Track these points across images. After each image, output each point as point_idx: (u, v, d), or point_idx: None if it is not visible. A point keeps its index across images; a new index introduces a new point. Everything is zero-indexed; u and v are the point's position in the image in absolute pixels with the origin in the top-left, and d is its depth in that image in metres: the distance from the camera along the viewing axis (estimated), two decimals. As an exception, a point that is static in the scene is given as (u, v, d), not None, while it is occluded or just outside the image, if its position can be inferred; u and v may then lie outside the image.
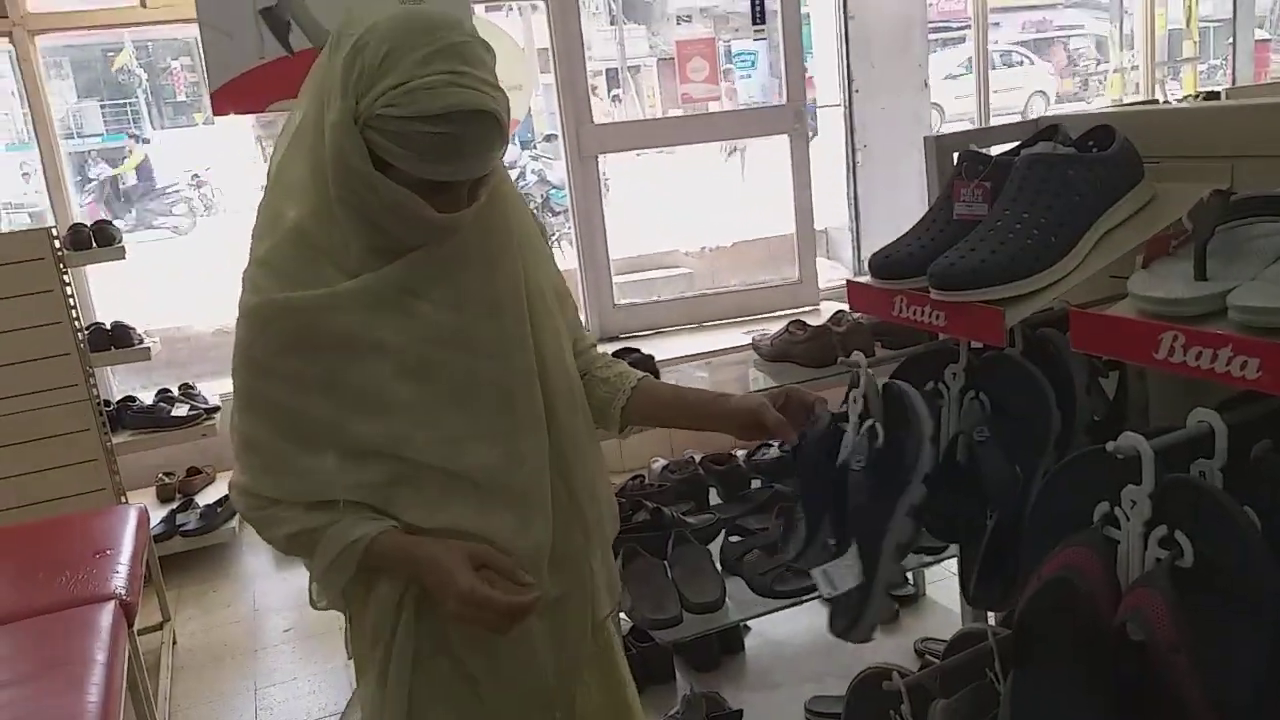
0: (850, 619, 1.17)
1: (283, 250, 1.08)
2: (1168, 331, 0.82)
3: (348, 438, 1.09)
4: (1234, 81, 7.88)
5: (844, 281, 5.48)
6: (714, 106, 5.83)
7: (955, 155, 1.20)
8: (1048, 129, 1.20)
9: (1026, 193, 1.06)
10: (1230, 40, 8.27)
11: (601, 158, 4.68)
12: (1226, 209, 0.86)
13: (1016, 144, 1.20)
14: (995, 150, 1.21)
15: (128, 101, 15.12)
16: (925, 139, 1.34)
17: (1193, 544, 0.75)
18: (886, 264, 1.15)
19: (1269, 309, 0.76)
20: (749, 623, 2.71)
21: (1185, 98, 5.91)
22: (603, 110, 11.89)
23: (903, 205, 5.60)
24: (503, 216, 1.15)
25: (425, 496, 1.12)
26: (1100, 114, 1.23)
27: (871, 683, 1.30)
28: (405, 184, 1.01)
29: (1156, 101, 5.94)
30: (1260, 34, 9.51)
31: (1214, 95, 5.51)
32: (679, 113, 6.09)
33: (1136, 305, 0.87)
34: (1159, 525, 0.78)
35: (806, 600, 2.16)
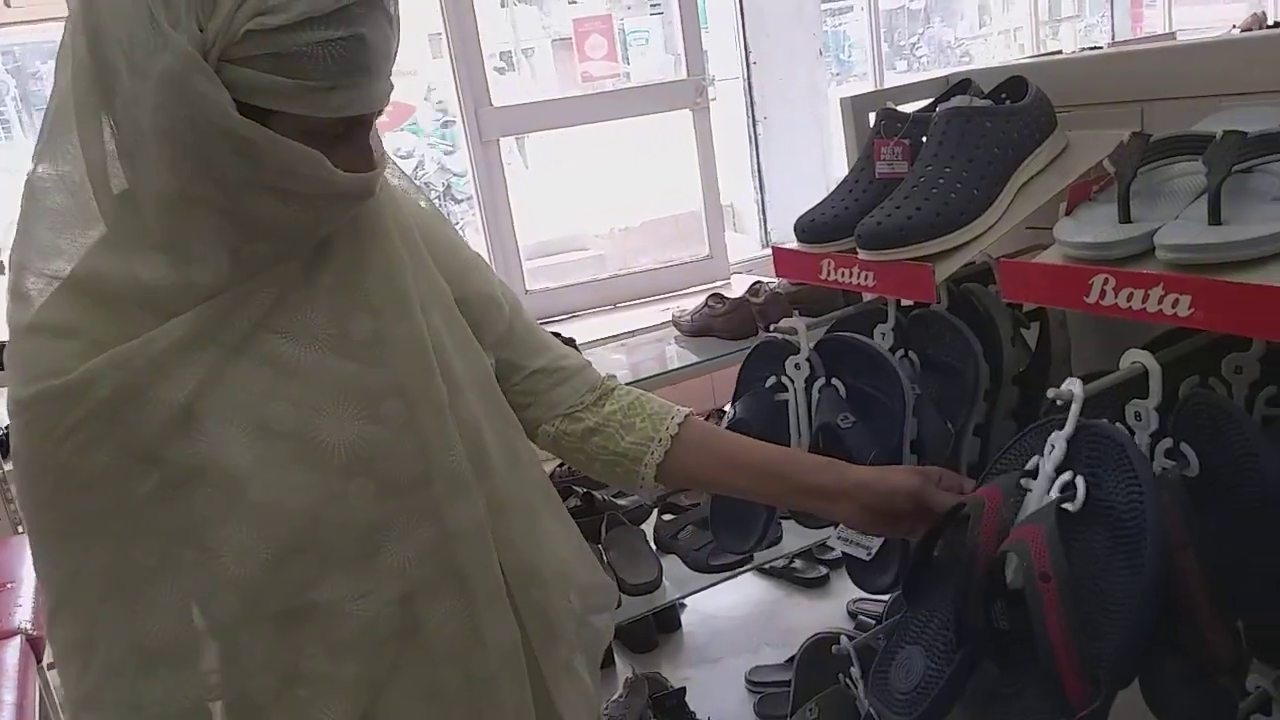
0: (898, 569, 1.11)
1: (62, 307, 0.75)
2: (1098, 275, 0.81)
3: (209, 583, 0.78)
4: (1114, 37, 8.17)
5: (755, 254, 5.50)
6: (614, 84, 5.78)
7: (872, 115, 1.19)
8: (960, 83, 1.20)
9: (947, 147, 1.05)
10: (1107, -2, 8.57)
11: (523, 139, 4.59)
12: (1146, 150, 0.87)
13: (931, 100, 1.19)
14: (910, 108, 1.20)
15: (-5, 110, 14.38)
16: (841, 100, 1.33)
17: (1088, 488, 0.75)
18: (812, 228, 1.14)
19: (1195, 245, 0.76)
20: (685, 600, 2.71)
21: (1072, 53, 6.10)
22: (499, 93, 11.72)
23: (805, 175, 5.65)
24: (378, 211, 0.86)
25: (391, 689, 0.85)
26: (1012, 66, 1.23)
27: (820, 648, 1.30)
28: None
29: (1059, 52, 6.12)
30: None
31: (1096, 50, 5.70)
32: (579, 92, 6.02)
33: (1064, 251, 0.87)
34: (1066, 471, 0.77)
35: (743, 572, 2.16)
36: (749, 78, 5.92)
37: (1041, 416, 0.84)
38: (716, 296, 2.41)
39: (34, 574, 0.83)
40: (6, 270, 0.77)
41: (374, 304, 0.83)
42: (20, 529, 3.23)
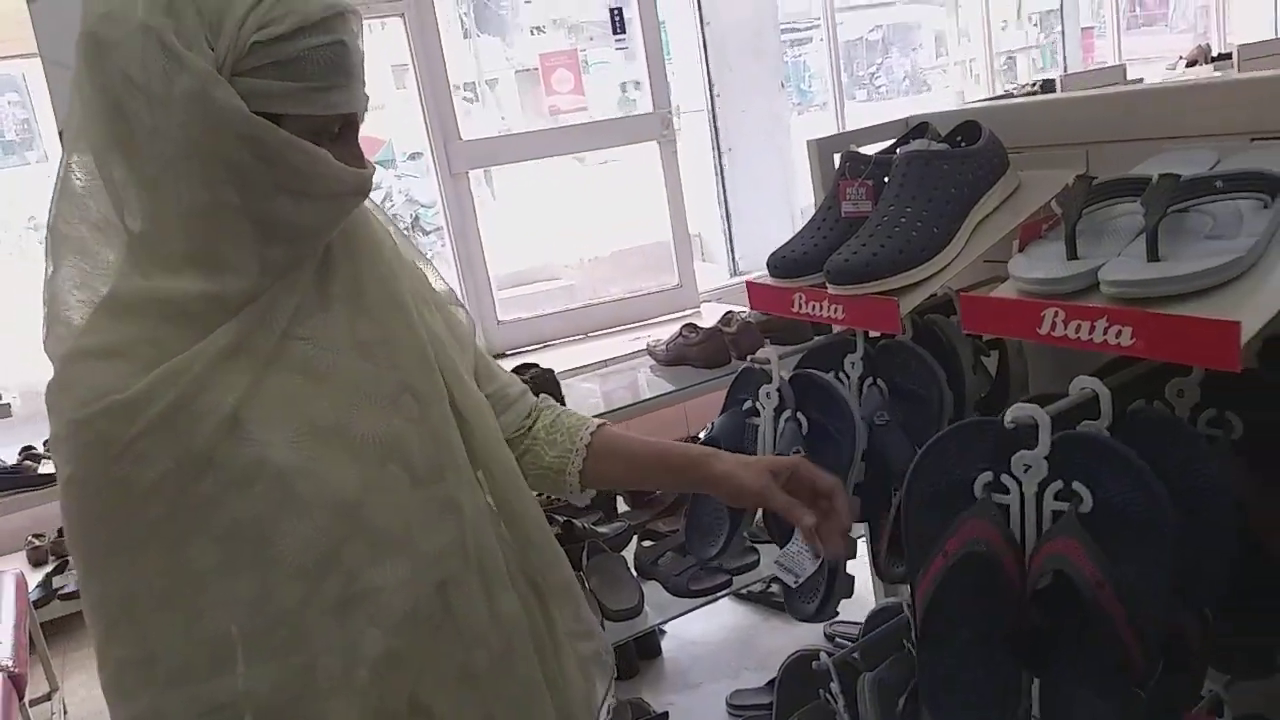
0: (820, 599, 1.18)
1: (102, 331, 0.82)
2: (1049, 308, 0.88)
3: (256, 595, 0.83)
4: (1065, 69, 8.40)
5: (724, 283, 5.57)
6: (581, 117, 5.88)
7: (837, 156, 1.26)
8: (919, 126, 1.27)
9: (907, 189, 1.13)
10: (1060, 29, 8.82)
11: (490, 170, 4.65)
12: (1090, 193, 0.94)
13: (891, 142, 1.27)
14: (871, 149, 1.28)
15: (-49, 144, 14.21)
16: (808, 142, 1.40)
17: (1092, 492, 0.82)
18: (784, 263, 1.20)
19: (1134, 280, 0.83)
20: (665, 626, 2.76)
21: (1023, 86, 6.27)
22: (466, 124, 11.81)
23: (770, 204, 5.76)
24: (365, 224, 0.95)
25: (420, 673, 0.90)
26: (966, 110, 1.31)
27: (800, 665, 1.35)
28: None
29: (1010, 94, 6.30)
30: (1085, 20, 10.15)
31: (1050, 84, 5.88)
32: (545, 124, 6.10)
33: (1018, 286, 0.94)
34: (1054, 481, 0.84)
35: (722, 596, 2.21)
36: (713, 109, 6.04)
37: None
38: (690, 326, 2.48)
39: (84, 598, 0.86)
40: (44, 288, 0.84)
41: (376, 309, 0.92)
42: (-7, 569, 3.21)
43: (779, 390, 1.19)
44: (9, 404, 3.44)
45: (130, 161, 0.81)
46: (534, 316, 4.79)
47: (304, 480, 0.83)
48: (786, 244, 1.22)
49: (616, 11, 5.35)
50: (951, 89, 12.60)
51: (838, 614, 1.14)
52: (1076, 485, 0.84)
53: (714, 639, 2.75)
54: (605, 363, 3.03)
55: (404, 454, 0.90)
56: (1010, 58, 12.03)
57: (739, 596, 2.83)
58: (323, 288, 0.90)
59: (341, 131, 0.85)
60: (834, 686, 1.23)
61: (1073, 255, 0.92)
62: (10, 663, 2.29)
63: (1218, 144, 1.03)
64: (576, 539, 2.29)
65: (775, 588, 2.89)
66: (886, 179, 1.16)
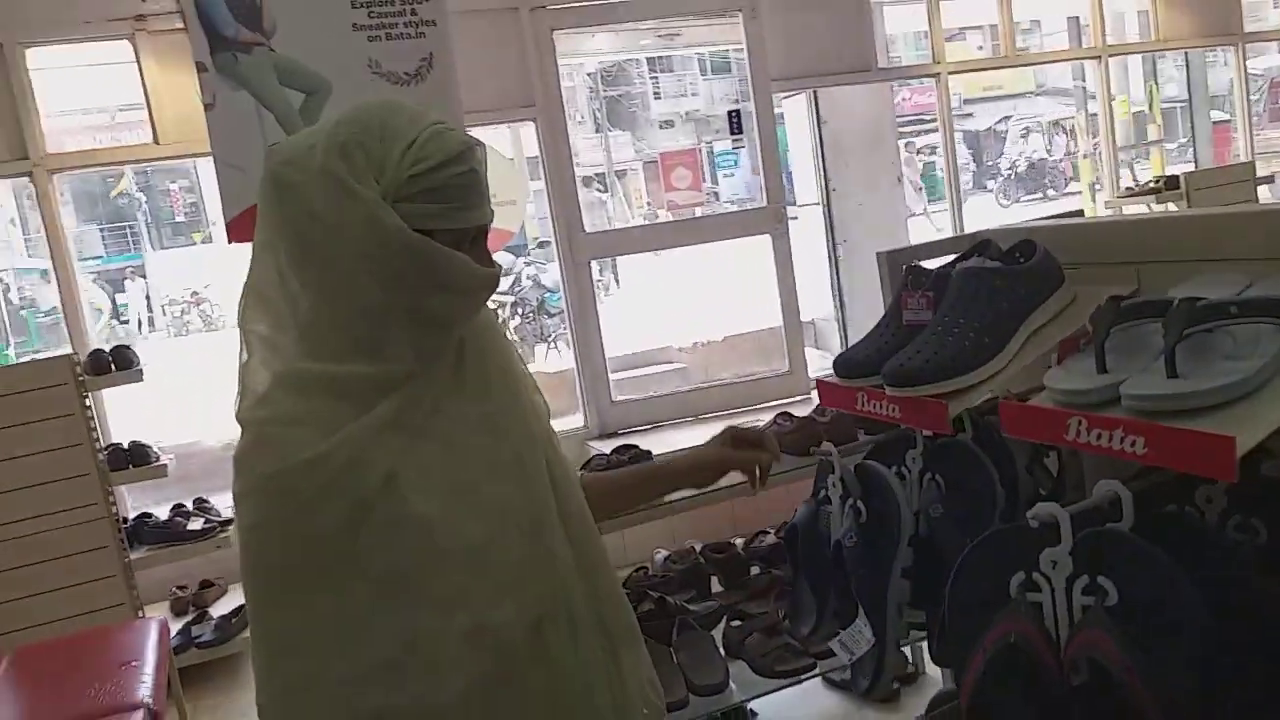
0: (872, 677, 1.28)
1: (287, 403, 0.99)
2: (1074, 417, 0.98)
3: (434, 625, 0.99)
4: (1196, 164, 8.22)
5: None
6: (699, 210, 6.11)
7: (903, 268, 1.37)
8: (981, 243, 1.38)
9: (962, 301, 1.23)
10: (1190, 123, 8.65)
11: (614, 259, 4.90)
12: (1118, 312, 1.03)
13: (955, 256, 1.38)
14: (939, 261, 1.39)
15: (127, 225, 15.57)
16: (878, 254, 1.52)
17: (1115, 585, 0.90)
18: (848, 365, 1.32)
19: (1151, 395, 0.92)
20: (755, 705, 2.81)
21: (1147, 183, 6.20)
22: (592, 213, 12.37)
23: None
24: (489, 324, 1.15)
25: (518, 696, 1.04)
26: (1025, 228, 1.41)
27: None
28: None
29: (1130, 191, 6.24)
30: (1219, 115, 9.92)
31: (1174, 180, 5.80)
32: (667, 215, 6.36)
33: (1051, 396, 1.04)
34: (1080, 577, 0.93)
35: (806, 679, 2.26)
36: (828, 203, 6.18)
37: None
38: (785, 414, 2.58)
39: (254, 631, 1.02)
40: (239, 374, 1.03)
41: (496, 393, 1.11)
42: (142, 613, 3.50)
43: (842, 479, 1.30)
44: (165, 464, 3.78)
45: (305, 275, 1.00)
46: (646, 398, 4.96)
47: (443, 531, 0.99)
48: (853, 347, 1.34)
49: (734, 114, 5.61)
50: (1083, 182, 12.44)
51: (895, 690, 1.22)
52: (1101, 580, 0.91)
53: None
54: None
55: (515, 512, 1.06)
56: (1145, 149, 11.81)
57: (831, 684, 2.86)
58: (458, 375, 1.08)
59: (475, 239, 1.04)
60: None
61: (1102, 369, 1.01)
62: (150, 701, 2.52)
63: (1252, 266, 1.10)
64: (668, 615, 2.39)
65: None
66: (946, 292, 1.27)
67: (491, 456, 1.06)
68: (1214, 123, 9.18)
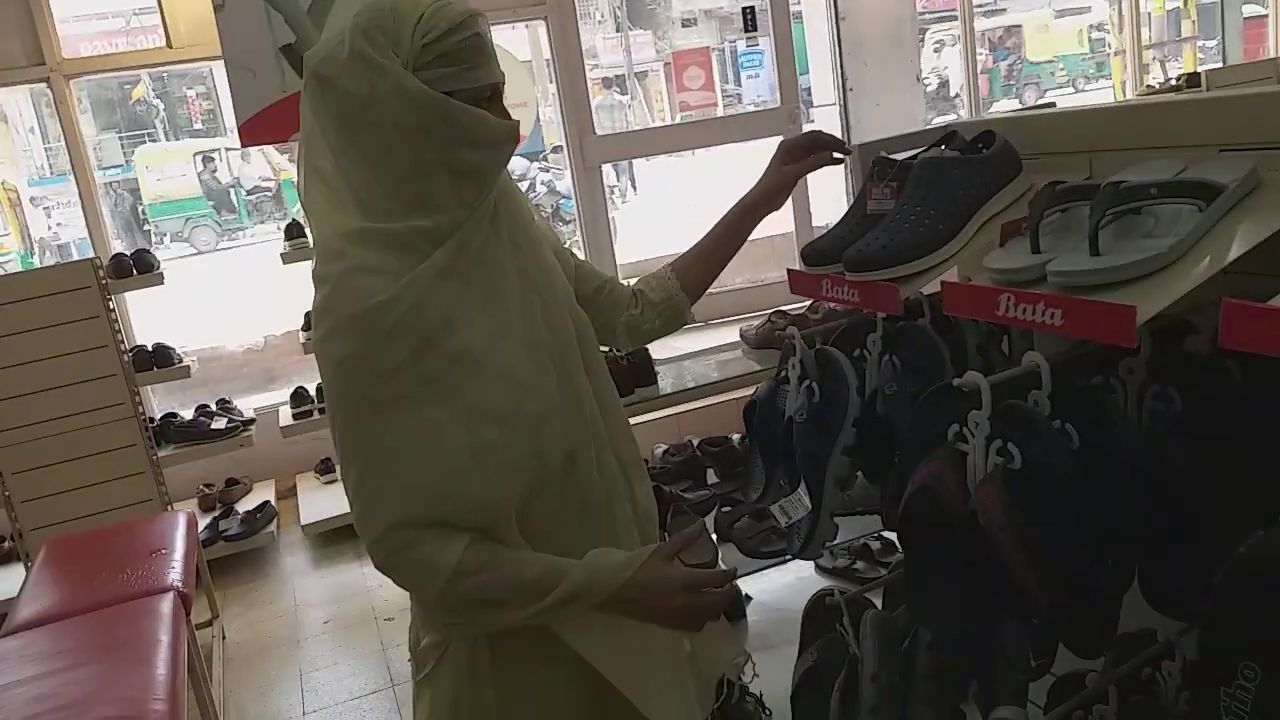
0: (804, 540, 1.39)
1: (363, 254, 1.13)
2: (1004, 294, 1.04)
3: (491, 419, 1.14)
4: (1225, 61, 8.01)
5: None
6: (714, 111, 6.06)
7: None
8: (948, 134, 1.42)
9: (921, 190, 1.29)
10: (1220, 19, 8.40)
11: (633, 163, 4.90)
12: (1053, 197, 1.09)
13: (925, 147, 1.43)
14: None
15: (146, 132, 15.56)
16: (858, 146, 1.56)
17: (1021, 452, 0.98)
18: (814, 253, 1.38)
19: (1071, 272, 0.98)
20: (750, 592, 2.95)
21: (1169, 79, 6.07)
22: (612, 116, 12.24)
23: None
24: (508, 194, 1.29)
25: (555, 501, 1.20)
26: (987, 120, 1.45)
27: (819, 603, 1.53)
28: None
29: (1152, 89, 6.12)
30: (1253, 9, 9.60)
31: (1195, 78, 5.68)
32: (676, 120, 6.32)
33: (989, 275, 1.10)
34: (995, 439, 1.01)
35: (789, 560, 2.38)
36: (845, 104, 6.11)
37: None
38: (779, 313, 2.65)
39: (342, 450, 1.17)
40: (314, 244, 1.18)
41: (524, 245, 1.26)
42: (170, 508, 3.68)
43: (801, 361, 1.38)
44: (188, 366, 3.92)
45: (353, 151, 1.14)
46: (655, 303, 5.03)
47: (492, 362, 1.16)
48: (820, 237, 1.40)
49: (749, 10, 5.52)
50: (1115, 79, 12.13)
51: (821, 554, 1.34)
52: (1010, 445, 0.99)
53: (795, 606, 2.91)
54: (714, 350, 3.23)
55: (548, 350, 1.22)
56: (1176, 46, 11.47)
57: (823, 570, 2.99)
58: (494, 228, 1.23)
59: (490, 98, 1.17)
60: (845, 620, 1.40)
61: (1035, 250, 1.07)
62: (180, 584, 2.69)
63: (1191, 152, 1.15)
64: (663, 501, 2.51)
65: (860, 564, 3.05)
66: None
67: (526, 303, 1.22)
68: (1246, 18, 8.90)
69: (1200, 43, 10.84)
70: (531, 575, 1.16)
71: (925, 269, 1.24)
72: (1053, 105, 1.58)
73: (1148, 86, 6.27)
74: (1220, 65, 7.25)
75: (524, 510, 1.18)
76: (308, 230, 4.09)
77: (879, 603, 1.57)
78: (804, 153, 1.45)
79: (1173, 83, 5.86)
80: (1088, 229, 1.06)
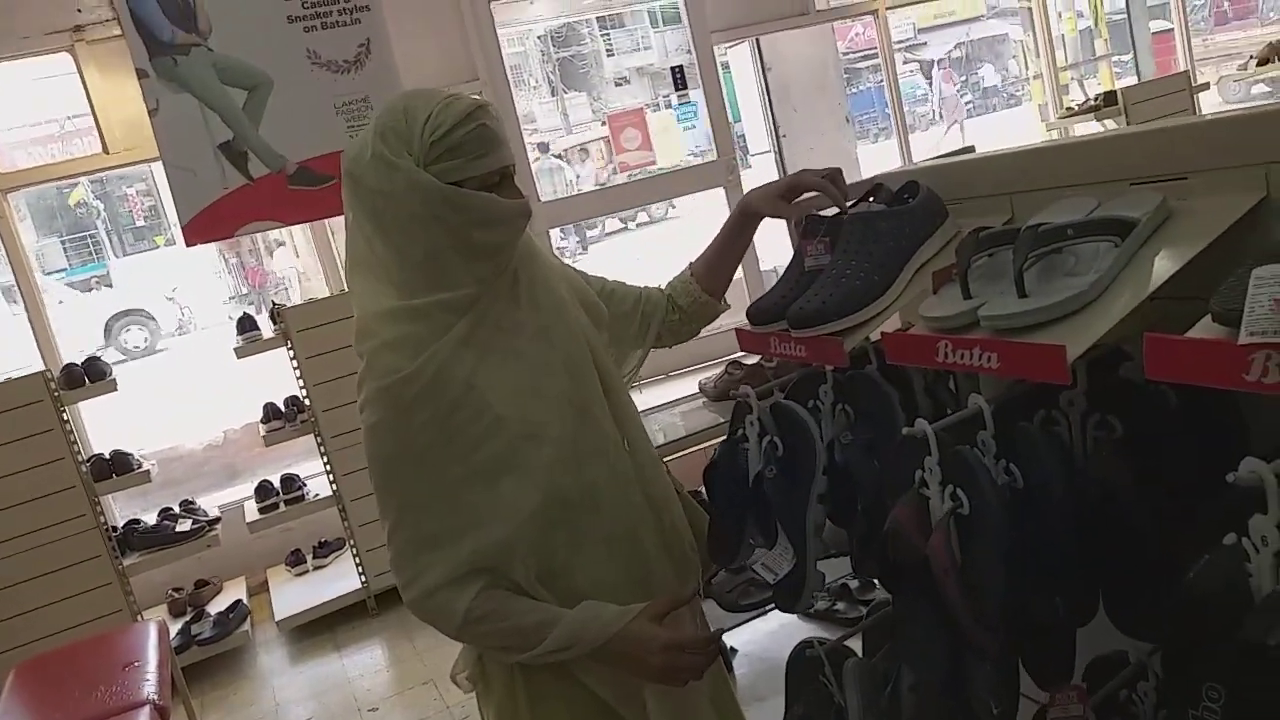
0: (794, 594, 1.40)
1: (391, 331, 1.27)
2: (942, 341, 1.07)
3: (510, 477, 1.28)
4: (1139, 76, 8.28)
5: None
6: (653, 169, 6.17)
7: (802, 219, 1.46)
8: (874, 187, 1.47)
9: (853, 244, 1.33)
10: (1130, 37, 8.70)
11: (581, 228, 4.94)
12: (978, 243, 1.13)
13: (854, 201, 1.47)
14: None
15: (88, 234, 15.43)
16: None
17: (966, 496, 1.01)
18: (759, 313, 1.41)
19: (1001, 315, 1.02)
20: (736, 645, 2.95)
21: (1085, 101, 6.28)
22: (553, 180, 12.37)
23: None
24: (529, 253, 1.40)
25: (575, 536, 1.31)
26: (912, 170, 1.50)
27: (800, 654, 1.54)
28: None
29: (1072, 111, 6.32)
30: (1160, 24, 9.95)
31: (1112, 96, 5.88)
32: (622, 179, 6.41)
33: (925, 324, 1.14)
34: (948, 484, 1.04)
35: (769, 611, 2.39)
36: (779, 150, 6.25)
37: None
38: (735, 364, 2.69)
39: (380, 505, 1.32)
40: (355, 323, 1.31)
41: (545, 307, 1.38)
42: (140, 618, 3.61)
43: (759, 419, 1.40)
44: (148, 470, 3.86)
45: (382, 239, 1.28)
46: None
47: (512, 421, 1.29)
48: (762, 296, 1.43)
49: (677, 69, 5.65)
50: (1033, 103, 12.48)
51: (813, 604, 1.34)
52: (958, 491, 1.03)
53: (781, 654, 2.91)
54: (670, 404, 3.26)
55: (568, 400, 1.34)
56: (1092, 65, 11.86)
57: (805, 614, 3.00)
58: (514, 294, 1.36)
59: (501, 181, 1.29)
60: (827, 670, 1.42)
61: (967, 295, 1.11)
62: (156, 697, 2.63)
63: (1104, 189, 1.20)
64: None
65: (840, 605, 3.06)
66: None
67: (547, 359, 1.34)
68: (1155, 32, 9.22)
69: (1115, 58, 11.22)
70: (528, 624, 1.28)
71: (865, 320, 1.28)
72: (972, 149, 1.64)
73: (1067, 108, 6.48)
74: (1135, 82, 7.50)
75: (547, 545, 1.31)
76: (259, 322, 4.05)
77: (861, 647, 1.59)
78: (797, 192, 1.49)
79: (1091, 102, 6.07)
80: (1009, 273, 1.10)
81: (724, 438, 1.52)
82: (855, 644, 1.59)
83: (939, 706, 1.20)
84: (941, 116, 17.49)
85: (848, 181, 1.48)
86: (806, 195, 1.48)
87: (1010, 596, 0.98)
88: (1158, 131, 1.21)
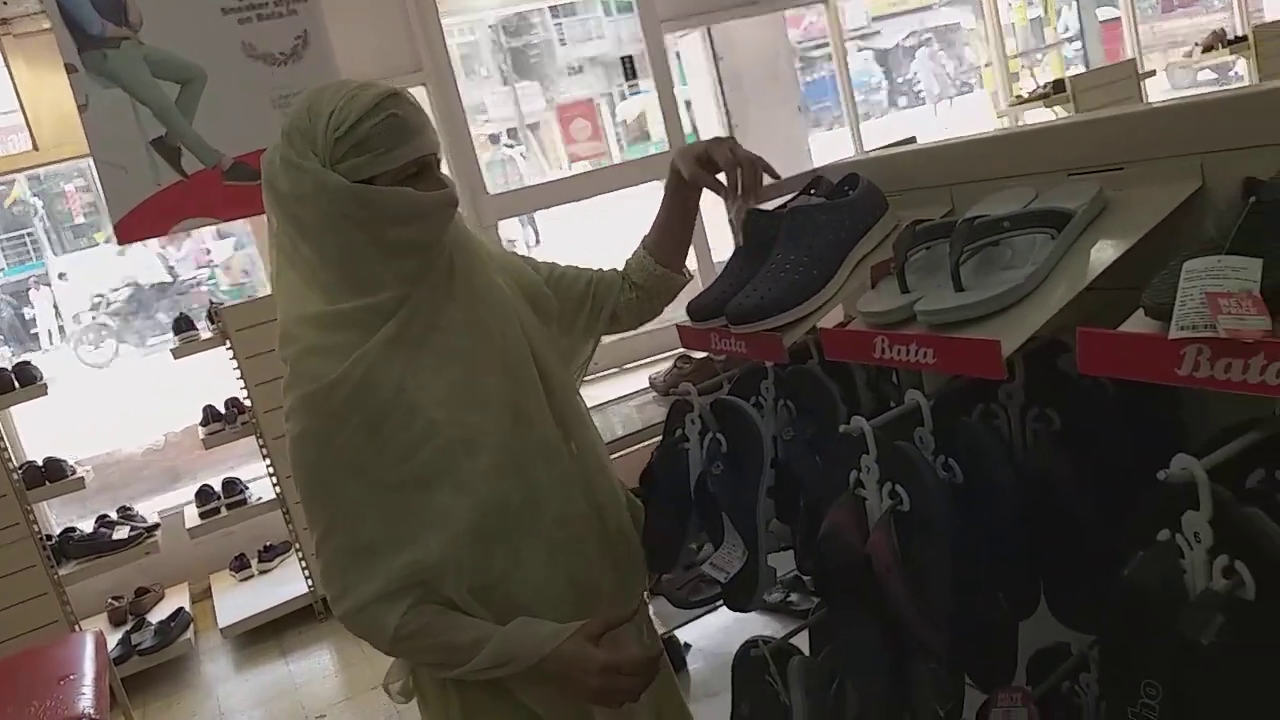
0: (747, 593, 1.37)
1: (313, 336, 1.22)
2: (878, 337, 1.05)
3: (440, 487, 1.23)
4: (1087, 65, 8.37)
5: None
6: (605, 160, 6.13)
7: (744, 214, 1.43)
8: (815, 180, 1.45)
9: (792, 238, 1.30)
10: (1079, 26, 8.80)
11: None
12: (915, 237, 1.11)
13: (794, 194, 1.45)
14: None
15: (26, 232, 14.99)
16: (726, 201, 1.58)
17: (907, 493, 0.99)
18: (699, 309, 1.38)
19: (937, 310, 1.00)
20: (689, 641, 2.93)
21: (1034, 90, 6.34)
22: (505, 171, 12.21)
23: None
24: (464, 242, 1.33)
25: (514, 545, 1.27)
26: (851, 163, 1.48)
27: (746, 653, 1.51)
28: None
29: (1021, 99, 6.38)
30: (1108, 11, 10.07)
31: (1060, 84, 5.93)
32: (573, 170, 6.36)
33: (862, 319, 1.11)
34: (886, 482, 1.01)
35: (719, 607, 2.37)
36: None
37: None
38: (684, 358, 2.66)
39: (308, 514, 1.27)
40: (279, 326, 1.26)
41: (481, 297, 1.31)
42: (78, 628, 3.50)
43: (700, 416, 1.37)
44: (82, 477, 3.75)
45: (301, 242, 1.22)
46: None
47: (445, 425, 1.23)
48: (703, 292, 1.40)
49: (628, 59, 5.60)
50: (985, 92, 12.59)
51: (764, 601, 1.32)
52: (898, 487, 1.00)
53: (734, 648, 2.90)
54: (620, 399, 3.22)
55: (504, 401, 1.28)
56: (1043, 53, 12.00)
57: (765, 608, 2.98)
58: (449, 289, 1.29)
59: (419, 172, 1.21)
60: (772, 668, 1.39)
61: (904, 289, 1.09)
62: (92, 711, 2.55)
63: (1042, 180, 1.19)
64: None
65: (795, 597, 3.05)
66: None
67: (483, 358, 1.28)
68: (1103, 20, 9.33)
69: (1064, 47, 11.37)
70: (461, 640, 1.24)
71: (804, 315, 1.25)
72: (913, 139, 1.62)
73: (1017, 96, 6.54)
74: (1084, 70, 7.58)
75: (485, 556, 1.25)
76: (197, 323, 3.94)
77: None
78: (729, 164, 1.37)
79: (1040, 90, 6.13)
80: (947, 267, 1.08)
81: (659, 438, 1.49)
82: (802, 640, 1.58)
83: (883, 706, 1.18)
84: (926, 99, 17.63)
85: (791, 173, 1.45)
86: (722, 176, 1.39)
87: (957, 591, 0.96)
88: (1095, 121, 1.20)
